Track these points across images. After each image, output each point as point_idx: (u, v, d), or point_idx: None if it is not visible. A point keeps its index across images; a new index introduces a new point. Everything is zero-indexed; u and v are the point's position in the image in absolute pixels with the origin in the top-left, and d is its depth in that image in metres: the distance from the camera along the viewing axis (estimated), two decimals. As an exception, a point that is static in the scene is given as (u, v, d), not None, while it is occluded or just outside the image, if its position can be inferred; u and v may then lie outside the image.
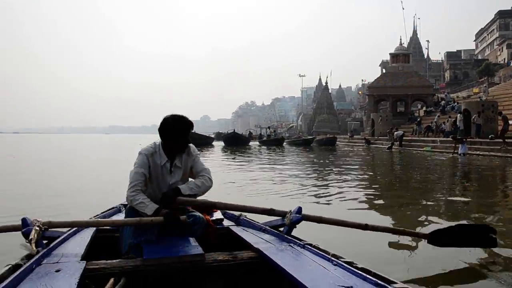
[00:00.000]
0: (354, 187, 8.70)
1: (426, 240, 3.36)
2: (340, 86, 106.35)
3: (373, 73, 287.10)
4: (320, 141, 40.12)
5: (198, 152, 3.01)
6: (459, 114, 23.42)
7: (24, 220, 2.43)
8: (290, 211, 2.86)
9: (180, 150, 2.85)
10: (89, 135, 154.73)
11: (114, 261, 2.28)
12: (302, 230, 2.87)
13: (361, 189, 8.52)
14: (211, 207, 2.99)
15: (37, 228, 2.36)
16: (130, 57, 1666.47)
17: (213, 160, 19.06)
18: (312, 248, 2.41)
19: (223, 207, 3.01)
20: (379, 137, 34.48)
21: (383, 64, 68.03)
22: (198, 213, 2.85)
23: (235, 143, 37.60)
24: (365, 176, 11.90)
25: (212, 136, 50.33)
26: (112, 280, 2.38)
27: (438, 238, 3.31)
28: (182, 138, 2.80)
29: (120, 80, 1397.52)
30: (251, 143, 42.69)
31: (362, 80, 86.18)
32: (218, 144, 41.43)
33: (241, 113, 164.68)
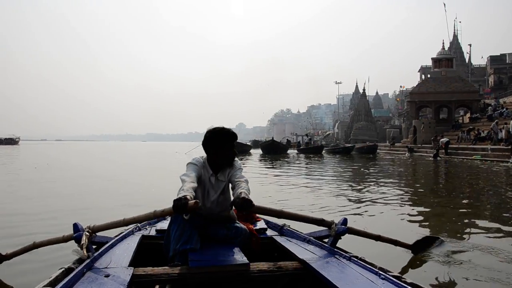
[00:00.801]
0: (400, 200, 8.12)
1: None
2: (377, 93, 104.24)
3: (411, 80, 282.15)
4: (361, 149, 39.33)
5: (241, 167, 2.97)
6: (512, 121, 22.27)
7: (75, 226, 2.52)
8: (335, 222, 2.84)
9: (225, 163, 2.85)
10: (127, 143, 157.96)
11: (160, 268, 2.33)
12: (345, 242, 2.82)
13: (409, 203, 7.91)
14: (278, 215, 2.86)
15: (87, 234, 2.47)
16: (166, 68, 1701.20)
17: (252, 168, 19.03)
18: (358, 261, 2.37)
19: (287, 215, 2.89)
20: (422, 145, 33.39)
21: (423, 70, 66.15)
22: (240, 225, 2.89)
23: (274, 151, 37.30)
24: (413, 189, 11.14)
25: (249, 144, 50.18)
26: (157, 287, 2.40)
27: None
28: (225, 150, 2.80)
29: (157, 90, 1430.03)
30: (289, 151, 42.38)
31: (400, 86, 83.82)
32: (256, 152, 41.24)
33: (276, 120, 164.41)
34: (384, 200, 7.88)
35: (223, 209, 2.89)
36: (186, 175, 2.67)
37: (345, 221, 2.81)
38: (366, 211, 6.68)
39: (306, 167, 20.05)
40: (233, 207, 2.73)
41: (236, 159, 2.92)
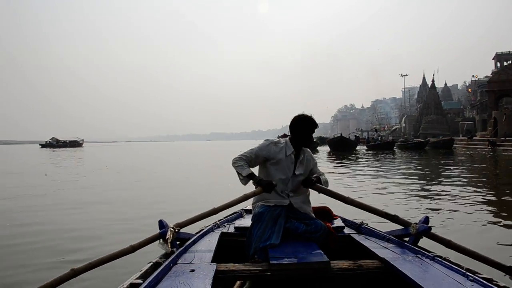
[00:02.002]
0: (496, 207, 7.11)
1: None
2: (445, 84, 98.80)
3: (483, 69, 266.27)
4: (436, 144, 37.25)
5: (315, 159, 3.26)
6: None
7: (160, 222, 2.64)
8: (416, 221, 2.75)
9: (304, 143, 3.12)
10: (191, 142, 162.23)
11: (241, 264, 2.39)
12: (424, 241, 2.68)
13: (505, 213, 6.68)
14: (342, 199, 3.00)
15: (172, 230, 2.59)
16: (227, 67, 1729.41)
17: (321, 165, 18.05)
18: (443, 261, 2.28)
19: (350, 202, 2.96)
20: (507, 138, 30.83)
21: (498, 57, 61.76)
22: (319, 221, 2.98)
23: (342, 148, 36.12)
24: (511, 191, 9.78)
25: (315, 140, 49.23)
26: (238, 282, 2.50)
27: None
28: (306, 134, 3.08)
29: (219, 90, 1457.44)
30: (358, 148, 41.05)
31: (473, 76, 78.38)
32: (323, 149, 40.36)
33: (340, 116, 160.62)
34: (476, 206, 7.04)
35: (297, 197, 3.07)
36: (248, 151, 3.11)
37: (426, 220, 2.71)
38: (451, 218, 6.05)
39: (379, 165, 19.16)
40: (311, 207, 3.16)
41: (308, 150, 3.19)
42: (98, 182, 13.13)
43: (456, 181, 11.06)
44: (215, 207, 2.89)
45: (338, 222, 3.34)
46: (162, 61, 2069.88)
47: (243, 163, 3.05)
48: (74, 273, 2.24)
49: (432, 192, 8.96)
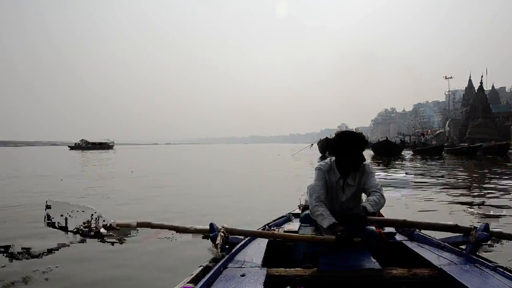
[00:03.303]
0: None
1: None
2: (493, 86, 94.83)
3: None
4: (489, 150, 35.22)
5: (373, 170, 2.93)
6: None
7: (211, 225, 2.73)
8: (475, 227, 2.62)
9: (352, 167, 2.82)
10: (230, 145, 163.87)
11: (292, 269, 2.35)
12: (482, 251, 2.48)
13: None
14: (399, 225, 2.87)
15: (222, 234, 2.63)
16: (264, 71, 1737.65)
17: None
18: (505, 271, 2.12)
19: (410, 224, 2.83)
20: None
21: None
22: (371, 227, 2.82)
23: (387, 152, 34.59)
24: None
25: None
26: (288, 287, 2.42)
27: None
28: (353, 155, 2.77)
29: (258, 95, 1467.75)
30: (403, 152, 39.50)
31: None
32: (365, 153, 38.93)
33: (380, 120, 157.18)
34: None
35: (353, 212, 2.83)
36: (315, 189, 2.82)
37: (486, 227, 2.59)
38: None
39: (431, 170, 17.71)
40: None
41: (365, 162, 2.87)
42: (112, 189, 12.61)
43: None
44: (274, 233, 2.97)
45: (389, 228, 3.20)
46: (201, 66, 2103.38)
47: (321, 209, 2.74)
48: (149, 225, 2.41)
49: (493, 201, 7.96)
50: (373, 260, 2.42)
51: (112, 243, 4.56)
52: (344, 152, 2.78)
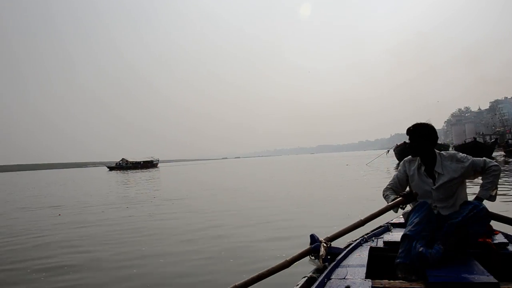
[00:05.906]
0: None
1: None
2: None
3: None
4: None
5: (469, 157, 2.92)
6: None
7: (312, 237, 2.65)
8: None
9: (415, 154, 2.99)
10: (298, 156, 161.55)
11: (397, 281, 2.29)
12: None
13: None
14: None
15: (325, 245, 2.59)
16: (328, 82, 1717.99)
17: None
18: None
19: None
20: None
21: None
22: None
23: (477, 154, 32.22)
24: None
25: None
26: None
27: None
28: (414, 143, 2.95)
29: (323, 104, 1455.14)
30: (494, 154, 36.22)
31: None
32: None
33: (454, 121, 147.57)
34: None
35: (445, 205, 2.88)
36: (392, 179, 3.20)
37: None
38: None
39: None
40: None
41: (455, 152, 2.97)
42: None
43: None
44: (361, 218, 2.86)
45: (500, 238, 2.93)
46: (259, 78, 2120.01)
47: (388, 192, 3.14)
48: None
49: None
50: (487, 272, 2.26)
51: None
52: (410, 141, 2.98)
